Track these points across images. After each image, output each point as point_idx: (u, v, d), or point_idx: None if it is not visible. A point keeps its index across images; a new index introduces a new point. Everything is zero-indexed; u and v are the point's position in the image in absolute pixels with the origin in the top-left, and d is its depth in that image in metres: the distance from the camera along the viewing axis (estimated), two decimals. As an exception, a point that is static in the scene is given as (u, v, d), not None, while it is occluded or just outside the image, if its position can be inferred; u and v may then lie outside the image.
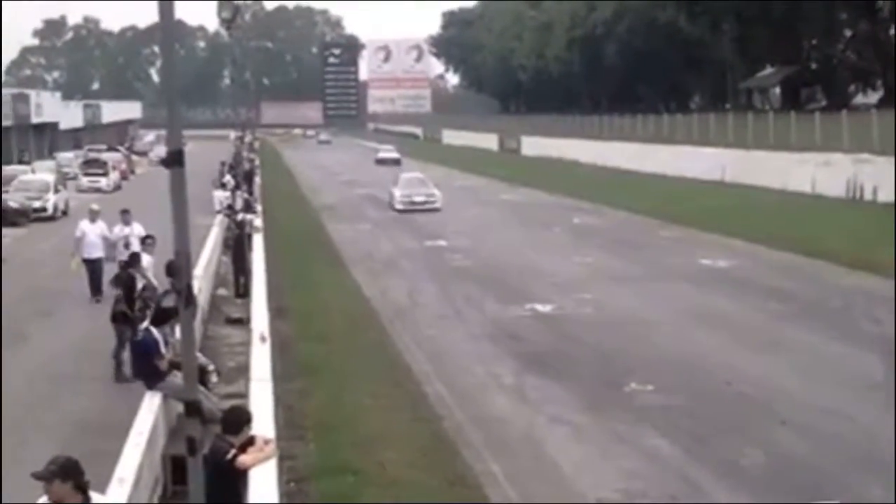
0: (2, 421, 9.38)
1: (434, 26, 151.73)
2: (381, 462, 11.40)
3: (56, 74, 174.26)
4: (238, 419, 8.67)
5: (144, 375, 11.94)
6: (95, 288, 20.94)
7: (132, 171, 63.69)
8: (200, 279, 18.64)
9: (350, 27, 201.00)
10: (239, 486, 8.34)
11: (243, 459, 8.34)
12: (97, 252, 21.32)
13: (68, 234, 23.59)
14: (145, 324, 12.43)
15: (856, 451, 12.00)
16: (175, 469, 10.33)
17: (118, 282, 16.33)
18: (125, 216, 21.82)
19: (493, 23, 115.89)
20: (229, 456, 8.26)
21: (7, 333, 17.13)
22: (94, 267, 21.23)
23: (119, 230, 21.48)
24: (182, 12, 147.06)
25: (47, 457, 6.60)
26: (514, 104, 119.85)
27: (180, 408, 10.49)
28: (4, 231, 30.05)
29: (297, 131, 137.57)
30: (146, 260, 17.29)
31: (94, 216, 21.96)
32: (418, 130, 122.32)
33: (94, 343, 16.46)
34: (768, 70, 71.43)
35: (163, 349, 11.95)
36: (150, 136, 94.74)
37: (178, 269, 5.46)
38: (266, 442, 8.78)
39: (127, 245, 20.45)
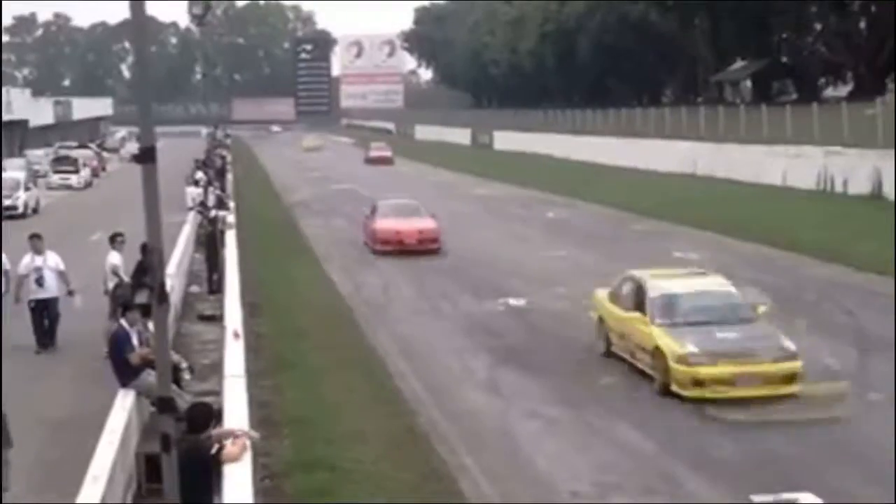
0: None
1: (407, 22, 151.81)
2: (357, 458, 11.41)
3: (26, 71, 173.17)
4: (207, 416, 8.74)
5: (118, 371, 11.90)
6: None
7: (103, 168, 63.41)
8: (173, 276, 18.55)
9: (321, 23, 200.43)
10: (212, 482, 8.34)
11: (230, 451, 8.35)
12: None
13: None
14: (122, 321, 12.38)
15: (829, 441, 12.10)
16: (149, 467, 10.30)
17: (139, 274, 14.98)
18: (35, 243, 17.01)
19: (466, 18, 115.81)
20: (214, 450, 8.28)
21: None
22: None
23: (28, 261, 16.75)
24: (153, 8, 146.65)
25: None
26: (487, 99, 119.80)
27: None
28: None
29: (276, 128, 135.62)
30: (116, 258, 16.97)
31: None
32: (391, 126, 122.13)
33: None
34: (739, 63, 71.71)
35: (134, 341, 11.92)
36: (121, 132, 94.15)
37: (150, 266, 5.46)
38: (236, 435, 8.78)
39: (39, 281, 16.54)
